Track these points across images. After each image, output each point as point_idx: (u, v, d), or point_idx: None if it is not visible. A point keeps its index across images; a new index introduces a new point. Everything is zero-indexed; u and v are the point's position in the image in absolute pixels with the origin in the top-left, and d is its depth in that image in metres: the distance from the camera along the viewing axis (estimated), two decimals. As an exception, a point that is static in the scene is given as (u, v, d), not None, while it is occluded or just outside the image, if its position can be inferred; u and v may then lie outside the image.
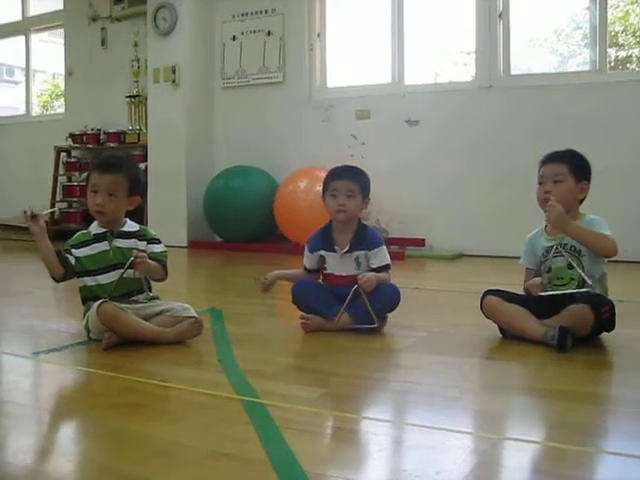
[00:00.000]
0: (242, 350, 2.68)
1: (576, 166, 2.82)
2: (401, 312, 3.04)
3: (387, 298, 2.96)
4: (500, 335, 2.83)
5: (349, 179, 3.04)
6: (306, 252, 3.14)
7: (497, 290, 2.86)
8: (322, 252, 3.07)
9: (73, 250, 2.85)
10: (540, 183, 2.85)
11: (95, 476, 1.57)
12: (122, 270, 2.79)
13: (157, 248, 2.90)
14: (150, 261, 2.81)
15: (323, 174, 3.17)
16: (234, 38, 7.15)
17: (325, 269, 3.08)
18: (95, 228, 2.90)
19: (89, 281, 2.85)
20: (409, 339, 2.90)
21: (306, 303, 3.03)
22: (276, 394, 2.11)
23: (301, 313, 3.03)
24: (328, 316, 2.96)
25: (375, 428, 1.90)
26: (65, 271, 2.83)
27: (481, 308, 2.85)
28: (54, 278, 2.85)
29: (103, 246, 2.86)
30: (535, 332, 2.67)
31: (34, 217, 2.76)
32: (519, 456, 1.69)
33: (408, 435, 1.87)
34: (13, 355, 2.77)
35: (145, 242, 2.91)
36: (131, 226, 2.94)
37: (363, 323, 2.92)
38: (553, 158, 2.85)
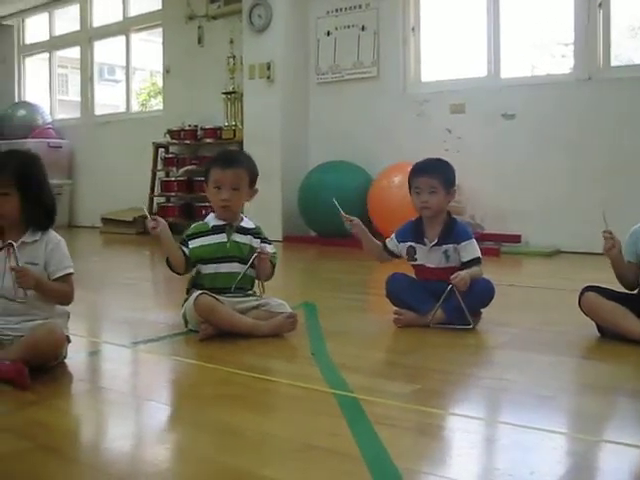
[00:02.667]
0: (335, 344, 2.70)
1: None
2: (495, 308, 3.00)
3: (481, 293, 2.93)
4: (598, 334, 2.75)
5: (430, 175, 3.03)
6: (393, 238, 3.13)
7: (597, 287, 2.78)
8: (412, 243, 3.07)
9: (189, 241, 2.90)
10: None
11: (191, 464, 1.61)
12: (239, 264, 2.88)
13: (270, 248, 2.94)
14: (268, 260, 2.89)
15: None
16: (328, 34, 7.18)
17: (416, 260, 3.07)
18: (214, 220, 2.96)
19: (202, 269, 2.91)
20: (503, 336, 2.87)
21: (399, 298, 3.03)
22: (368, 389, 2.12)
23: (394, 308, 3.03)
24: (421, 311, 2.95)
25: (468, 425, 1.89)
26: (186, 264, 2.90)
27: (579, 305, 2.79)
28: (177, 272, 2.92)
29: (221, 238, 2.91)
30: (635, 331, 2.59)
31: (154, 219, 2.81)
32: (616, 460, 1.64)
33: (501, 433, 1.85)
34: (113, 344, 2.87)
35: (259, 240, 2.96)
36: (248, 223, 3.00)
37: (457, 320, 2.89)
38: None
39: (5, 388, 2.11)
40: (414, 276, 3.11)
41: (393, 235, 3.15)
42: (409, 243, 3.08)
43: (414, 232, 3.08)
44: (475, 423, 1.92)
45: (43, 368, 2.28)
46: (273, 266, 2.94)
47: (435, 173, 3.04)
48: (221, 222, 2.94)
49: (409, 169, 3.17)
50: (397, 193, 5.82)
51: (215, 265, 2.89)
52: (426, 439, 1.79)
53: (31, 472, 1.56)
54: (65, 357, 2.41)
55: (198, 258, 2.89)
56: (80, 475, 1.55)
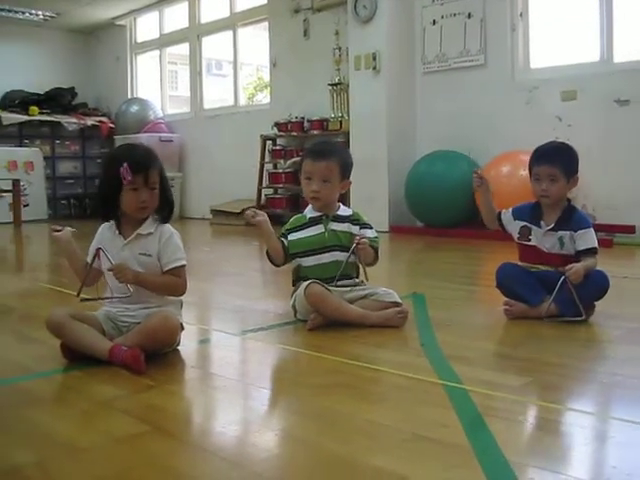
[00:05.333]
0: (444, 335, 2.68)
1: None
2: (609, 301, 2.91)
3: (595, 286, 2.83)
4: None
5: (550, 163, 2.92)
6: (510, 211, 3.08)
7: None
8: (527, 224, 3.01)
9: (288, 235, 2.96)
10: None
11: (300, 451, 1.64)
12: (340, 253, 2.89)
13: (370, 233, 2.93)
14: (368, 247, 2.86)
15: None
16: (434, 22, 7.10)
17: (529, 240, 3.00)
18: (310, 212, 3.00)
19: (303, 262, 2.95)
20: (618, 330, 2.78)
21: (510, 288, 2.98)
22: (478, 380, 2.10)
23: (505, 299, 2.98)
24: (532, 302, 2.89)
25: (581, 420, 1.84)
26: (285, 255, 2.94)
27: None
28: (276, 264, 2.97)
29: (318, 229, 2.94)
30: None
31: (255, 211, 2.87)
32: None
33: (616, 430, 1.79)
34: (224, 332, 2.95)
35: (358, 227, 2.96)
36: (345, 210, 3.02)
37: (569, 312, 2.82)
38: None
39: (123, 373, 2.20)
40: (518, 260, 3.05)
41: (510, 209, 3.09)
42: (524, 223, 3.01)
43: (531, 214, 3.02)
44: (589, 418, 1.86)
45: (158, 354, 2.36)
46: (376, 250, 2.92)
47: (556, 161, 2.93)
48: (317, 213, 2.97)
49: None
50: (506, 183, 5.70)
51: (317, 257, 2.92)
52: (539, 433, 1.75)
53: (149, 454, 1.62)
54: (179, 344, 2.49)
55: (298, 250, 2.93)
56: (194, 458, 1.59)
